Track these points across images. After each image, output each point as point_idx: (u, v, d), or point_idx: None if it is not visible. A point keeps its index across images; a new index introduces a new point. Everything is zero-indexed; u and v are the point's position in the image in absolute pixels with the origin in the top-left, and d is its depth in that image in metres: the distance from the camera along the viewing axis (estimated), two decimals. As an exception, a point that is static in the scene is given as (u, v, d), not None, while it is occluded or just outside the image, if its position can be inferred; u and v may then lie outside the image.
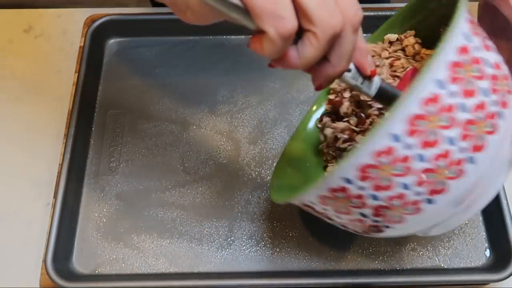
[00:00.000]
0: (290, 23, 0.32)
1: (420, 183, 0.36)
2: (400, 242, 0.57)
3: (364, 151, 0.35)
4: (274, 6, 0.32)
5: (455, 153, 0.35)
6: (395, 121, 0.34)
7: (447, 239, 0.57)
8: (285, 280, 0.54)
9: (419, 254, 0.57)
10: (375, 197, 0.37)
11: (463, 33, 0.36)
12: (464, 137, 0.35)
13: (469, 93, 0.35)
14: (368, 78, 0.40)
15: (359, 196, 0.37)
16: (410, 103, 0.34)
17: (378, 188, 0.36)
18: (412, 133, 0.34)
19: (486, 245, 0.57)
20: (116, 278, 0.55)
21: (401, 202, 0.37)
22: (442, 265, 0.56)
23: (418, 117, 0.34)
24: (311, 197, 0.40)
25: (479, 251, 0.57)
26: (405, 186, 0.36)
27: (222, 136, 0.63)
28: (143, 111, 0.65)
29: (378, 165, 0.35)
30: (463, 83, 0.35)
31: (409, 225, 0.39)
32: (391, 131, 0.34)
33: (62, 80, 0.67)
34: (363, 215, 0.39)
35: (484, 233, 0.58)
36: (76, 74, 0.64)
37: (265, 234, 0.58)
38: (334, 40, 0.34)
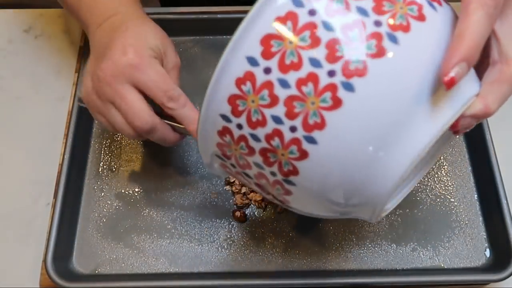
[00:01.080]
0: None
1: (291, 115, 0.32)
2: (400, 242, 0.57)
3: (227, 78, 0.33)
4: None
5: (323, 78, 0.31)
6: (248, 41, 0.32)
7: (447, 239, 0.57)
8: (285, 280, 0.54)
9: (419, 254, 0.57)
10: (255, 137, 0.34)
11: None
12: (331, 59, 0.31)
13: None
14: None
15: (242, 138, 0.34)
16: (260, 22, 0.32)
17: (253, 124, 0.33)
18: (268, 55, 0.32)
19: (486, 245, 0.57)
20: (116, 278, 0.55)
21: (279, 142, 0.33)
22: (442, 265, 0.56)
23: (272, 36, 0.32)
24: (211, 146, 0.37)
25: (479, 251, 0.57)
26: (277, 120, 0.32)
27: (222, 136, 0.63)
28: (143, 111, 0.65)
29: (242, 95, 0.33)
30: None
31: (308, 179, 0.34)
32: (246, 53, 0.32)
33: (62, 80, 0.67)
34: (258, 165, 0.35)
35: (484, 233, 0.58)
36: (76, 74, 0.64)
37: (265, 235, 0.58)
38: None
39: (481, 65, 0.37)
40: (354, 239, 0.57)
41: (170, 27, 0.68)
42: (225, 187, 0.60)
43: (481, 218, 0.59)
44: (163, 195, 0.60)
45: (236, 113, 0.34)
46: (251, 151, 0.34)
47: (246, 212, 0.58)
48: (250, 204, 0.58)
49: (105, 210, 0.59)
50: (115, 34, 0.49)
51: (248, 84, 0.33)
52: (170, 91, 0.47)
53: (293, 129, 0.32)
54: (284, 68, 0.32)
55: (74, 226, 0.58)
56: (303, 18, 0.32)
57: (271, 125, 0.33)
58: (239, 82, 0.33)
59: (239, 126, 0.34)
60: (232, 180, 0.60)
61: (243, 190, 0.59)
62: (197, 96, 0.65)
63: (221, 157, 0.38)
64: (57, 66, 0.69)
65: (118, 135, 0.63)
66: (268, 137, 0.33)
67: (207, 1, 0.72)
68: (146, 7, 0.71)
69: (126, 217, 0.59)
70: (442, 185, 0.60)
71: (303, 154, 0.33)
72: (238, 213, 0.58)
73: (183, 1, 0.75)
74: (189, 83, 0.66)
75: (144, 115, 0.47)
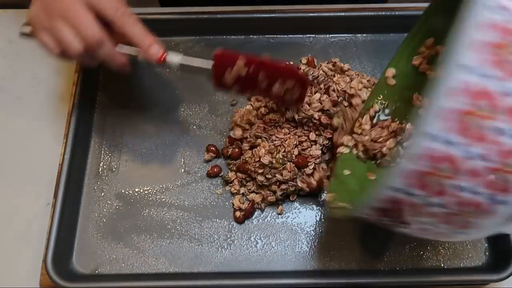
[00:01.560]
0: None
1: (485, 185, 0.32)
2: (400, 242, 0.57)
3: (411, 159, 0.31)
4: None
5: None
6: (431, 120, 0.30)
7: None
8: (285, 280, 0.54)
9: (419, 254, 0.57)
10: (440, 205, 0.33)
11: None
12: None
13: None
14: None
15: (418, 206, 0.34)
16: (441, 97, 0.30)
17: (437, 193, 0.33)
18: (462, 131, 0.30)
19: (486, 245, 0.57)
20: (116, 278, 0.55)
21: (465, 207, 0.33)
22: (442, 265, 0.56)
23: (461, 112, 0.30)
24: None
25: (479, 251, 0.57)
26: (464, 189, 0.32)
27: (222, 136, 0.63)
28: (143, 111, 0.65)
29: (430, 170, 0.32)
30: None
31: (484, 228, 0.35)
32: (430, 131, 0.31)
33: (62, 80, 0.67)
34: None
35: (484, 233, 0.58)
36: (76, 74, 0.64)
37: (264, 235, 0.58)
38: None
39: None
40: (354, 239, 0.57)
41: (170, 27, 0.68)
42: (225, 187, 0.60)
43: (481, 218, 0.59)
44: (163, 195, 0.60)
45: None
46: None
47: (245, 214, 0.58)
48: (249, 205, 0.58)
49: (105, 210, 0.59)
50: None
51: None
52: (122, 8, 0.51)
53: None
54: None
55: (74, 226, 0.58)
56: None
57: None
58: None
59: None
60: (231, 180, 0.60)
61: (242, 190, 0.59)
62: (197, 96, 0.66)
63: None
64: (57, 66, 0.69)
65: (118, 135, 0.63)
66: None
67: (207, 1, 0.72)
68: (146, 7, 0.71)
69: (126, 217, 0.59)
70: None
71: None
72: (238, 213, 0.58)
73: (185, 1, 0.75)
74: (189, 83, 0.66)
75: (94, 26, 0.50)
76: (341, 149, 0.55)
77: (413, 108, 0.54)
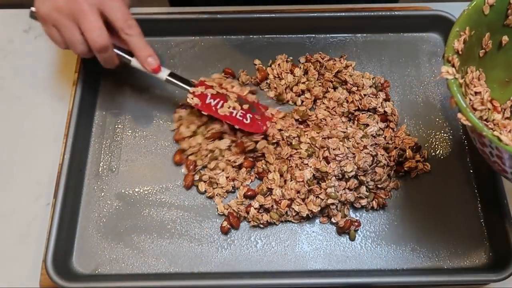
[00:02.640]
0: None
1: None
2: (400, 242, 0.57)
3: None
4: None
5: None
6: None
7: (447, 239, 0.57)
8: (285, 280, 0.54)
9: (419, 254, 0.57)
10: None
11: None
12: None
13: None
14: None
15: None
16: None
17: None
18: None
19: (486, 245, 0.57)
20: (116, 278, 0.55)
21: None
22: (442, 265, 0.56)
23: None
24: None
25: (479, 251, 0.57)
26: None
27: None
28: (143, 111, 0.65)
29: None
30: None
31: None
32: None
33: (62, 80, 0.67)
34: None
35: (484, 233, 0.58)
36: (76, 74, 0.64)
37: (264, 235, 0.58)
38: None
39: None
40: (353, 239, 0.57)
41: (170, 27, 0.68)
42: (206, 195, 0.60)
43: (481, 218, 0.59)
44: (163, 195, 0.60)
45: None
46: None
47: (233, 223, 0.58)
48: (233, 214, 0.58)
49: (105, 210, 0.59)
50: None
51: None
52: (129, 20, 0.56)
53: None
54: None
55: (74, 226, 0.58)
56: None
57: None
58: None
59: None
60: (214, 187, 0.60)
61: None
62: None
63: None
64: (57, 66, 0.69)
65: (118, 135, 0.63)
66: None
67: (218, 1, 0.72)
68: (147, 7, 0.71)
69: (126, 217, 0.59)
70: (442, 185, 0.60)
71: None
72: (225, 223, 0.58)
73: (194, 0, 0.75)
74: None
75: (104, 34, 0.55)
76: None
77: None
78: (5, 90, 0.67)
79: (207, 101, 0.60)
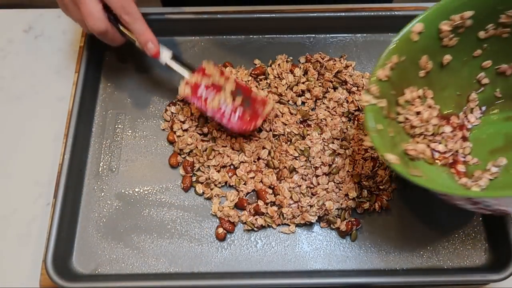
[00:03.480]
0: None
1: None
2: (400, 242, 0.57)
3: None
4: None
5: None
6: None
7: (447, 239, 0.57)
8: (285, 280, 0.54)
9: (419, 254, 0.57)
10: None
11: None
12: None
13: None
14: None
15: None
16: None
17: None
18: None
19: (486, 245, 0.57)
20: (116, 278, 0.55)
21: None
22: (442, 265, 0.56)
23: None
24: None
25: (479, 251, 0.57)
26: None
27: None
28: (143, 111, 0.65)
29: None
30: None
31: None
32: None
33: (62, 80, 0.67)
34: None
35: (484, 233, 0.58)
36: (76, 74, 0.64)
37: (264, 235, 0.58)
38: None
39: None
40: (354, 239, 0.57)
41: (170, 27, 0.68)
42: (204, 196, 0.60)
43: (481, 218, 0.59)
44: (163, 195, 0.60)
45: None
46: None
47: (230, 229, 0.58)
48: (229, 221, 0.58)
49: (105, 210, 0.59)
50: None
51: None
52: (127, 7, 0.56)
53: None
54: None
55: (74, 226, 0.58)
56: None
57: None
58: None
59: None
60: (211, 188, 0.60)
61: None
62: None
63: None
64: (57, 66, 0.69)
65: (118, 135, 0.63)
66: None
67: (209, 1, 0.72)
68: (147, 7, 0.71)
69: (126, 217, 0.59)
70: (442, 185, 0.60)
71: None
72: (220, 230, 0.58)
73: (186, 1, 0.75)
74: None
75: (100, 19, 0.56)
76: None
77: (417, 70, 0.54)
78: (5, 90, 0.67)
79: (199, 93, 0.59)
